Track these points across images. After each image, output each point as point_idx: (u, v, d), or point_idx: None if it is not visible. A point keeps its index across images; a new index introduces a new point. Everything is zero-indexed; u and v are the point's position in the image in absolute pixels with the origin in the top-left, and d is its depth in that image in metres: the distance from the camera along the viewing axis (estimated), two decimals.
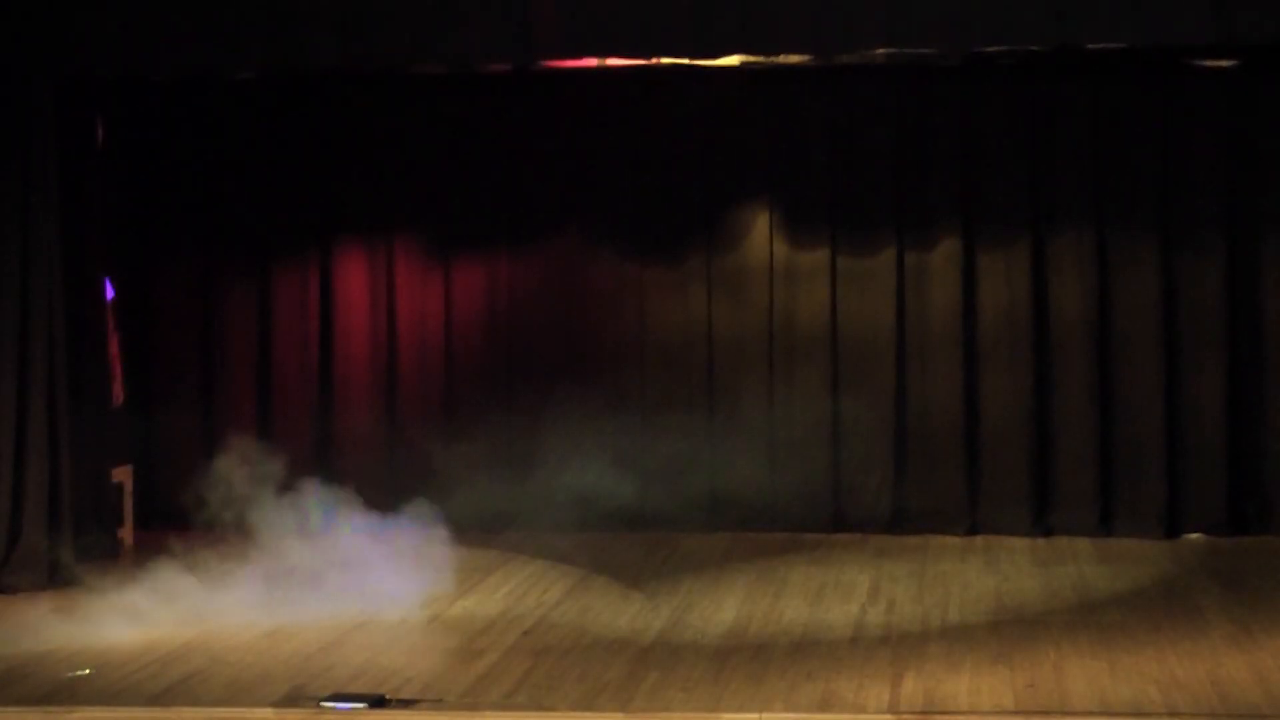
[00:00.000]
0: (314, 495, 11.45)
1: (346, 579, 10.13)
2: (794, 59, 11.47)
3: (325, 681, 8.10)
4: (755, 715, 7.51)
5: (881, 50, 10.63)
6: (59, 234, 10.61)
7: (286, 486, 11.67)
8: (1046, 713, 7.50)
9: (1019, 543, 11.85)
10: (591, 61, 11.35)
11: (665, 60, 11.20)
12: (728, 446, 12.22)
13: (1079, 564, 11.06)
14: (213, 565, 10.40)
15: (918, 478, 12.31)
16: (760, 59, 11.43)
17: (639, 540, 11.72)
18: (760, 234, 12.52)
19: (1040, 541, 11.91)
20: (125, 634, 9.10)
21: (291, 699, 7.80)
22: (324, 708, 7.64)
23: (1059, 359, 12.23)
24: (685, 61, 11.33)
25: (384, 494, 11.28)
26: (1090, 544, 11.77)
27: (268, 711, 7.62)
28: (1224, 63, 11.88)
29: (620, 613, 9.66)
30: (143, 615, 9.45)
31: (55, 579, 10.45)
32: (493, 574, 10.35)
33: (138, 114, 12.38)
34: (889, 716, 7.48)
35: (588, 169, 12.55)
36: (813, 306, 12.45)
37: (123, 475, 11.81)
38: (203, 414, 12.46)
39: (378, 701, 7.70)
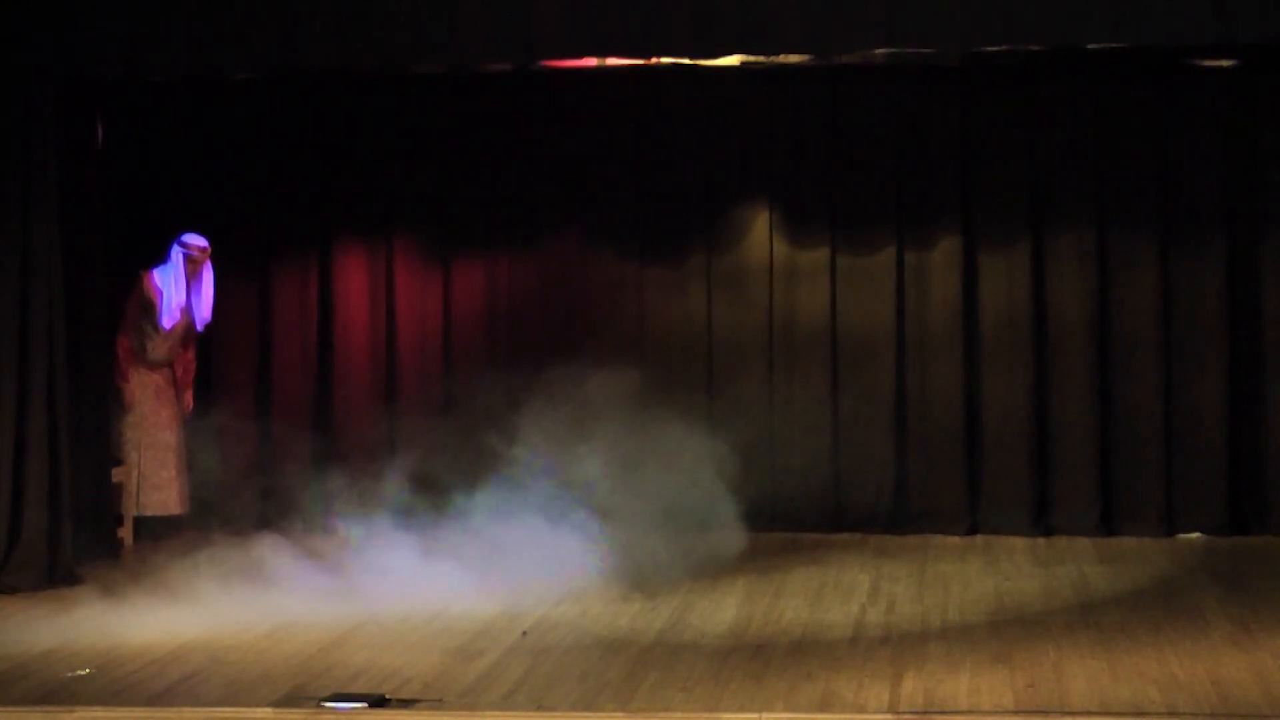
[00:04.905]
0: (314, 494, 11.48)
1: (345, 579, 10.14)
2: (794, 59, 11.48)
3: (325, 681, 8.10)
4: (755, 715, 7.50)
5: (881, 50, 10.62)
6: (59, 234, 10.61)
7: (286, 486, 11.72)
8: (1046, 713, 7.50)
9: (1019, 543, 11.86)
10: (591, 61, 11.36)
11: (665, 60, 11.21)
12: (727, 446, 12.20)
13: (1079, 564, 11.07)
14: (212, 565, 10.41)
15: (918, 478, 12.33)
16: (760, 59, 11.43)
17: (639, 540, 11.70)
18: (760, 233, 12.53)
19: (1040, 541, 11.92)
20: (125, 634, 9.10)
21: (291, 699, 7.79)
22: (324, 708, 7.63)
23: (1059, 359, 12.24)
24: (685, 61, 11.34)
25: (384, 493, 11.27)
26: (1090, 544, 11.78)
27: (268, 711, 7.62)
28: (1224, 63, 11.88)
29: (620, 613, 9.66)
30: (142, 615, 9.44)
31: (55, 579, 10.44)
32: (492, 574, 10.32)
33: (138, 114, 12.38)
34: (889, 716, 7.48)
35: (588, 169, 12.56)
36: (813, 306, 12.46)
37: (123, 475, 11.81)
38: (202, 414, 12.44)
39: (378, 701, 7.69)
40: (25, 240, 10.47)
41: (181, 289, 11.91)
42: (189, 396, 12.16)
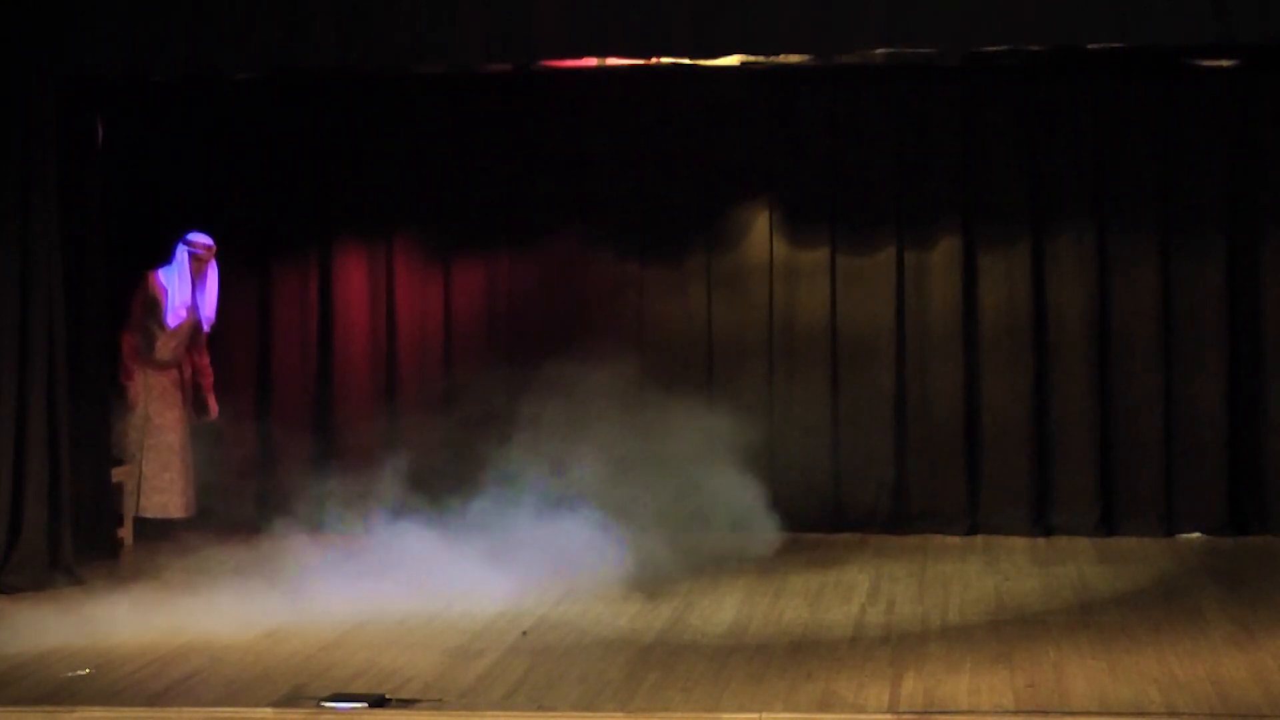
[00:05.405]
0: (313, 494, 11.48)
1: (345, 579, 10.14)
2: (794, 59, 11.48)
3: (325, 681, 8.10)
4: (755, 715, 7.50)
5: (881, 50, 10.62)
6: (59, 234, 10.61)
7: (285, 485, 11.71)
8: (1046, 713, 7.50)
9: (1019, 543, 11.86)
10: (591, 61, 11.36)
11: (665, 60, 11.20)
12: (727, 446, 12.20)
13: (1079, 564, 11.07)
14: (212, 565, 10.41)
15: (918, 478, 12.33)
16: (760, 59, 11.43)
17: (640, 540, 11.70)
18: (760, 233, 12.53)
19: (1040, 541, 11.92)
20: (125, 634, 9.10)
21: (291, 699, 7.79)
22: (324, 708, 7.63)
23: (1059, 359, 12.24)
24: (685, 61, 11.34)
25: (383, 492, 11.28)
26: (1090, 544, 11.78)
27: (268, 711, 7.62)
28: (1224, 63, 11.88)
29: (620, 613, 9.66)
30: (142, 615, 9.44)
31: (55, 579, 10.44)
32: (493, 574, 10.33)
33: (138, 114, 12.38)
34: (889, 716, 7.48)
35: (588, 169, 12.55)
36: (812, 306, 12.46)
37: (123, 475, 11.80)
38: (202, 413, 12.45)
39: (378, 701, 7.69)
40: (25, 240, 10.47)
41: (186, 287, 11.91)
42: (213, 401, 12.13)
